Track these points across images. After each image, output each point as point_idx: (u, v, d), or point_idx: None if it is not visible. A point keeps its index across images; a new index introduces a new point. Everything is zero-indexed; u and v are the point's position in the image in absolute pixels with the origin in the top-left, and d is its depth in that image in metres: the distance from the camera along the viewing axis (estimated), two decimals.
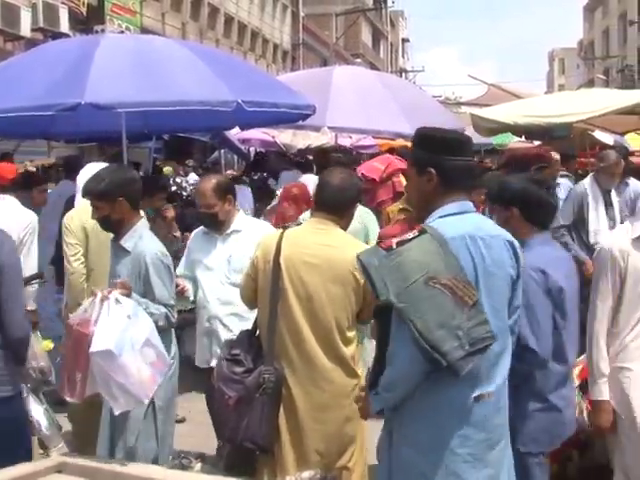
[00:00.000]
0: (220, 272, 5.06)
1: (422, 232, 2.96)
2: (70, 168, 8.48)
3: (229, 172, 16.98)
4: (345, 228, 4.08)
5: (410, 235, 2.97)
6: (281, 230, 4.10)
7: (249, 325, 4.52)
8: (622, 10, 56.46)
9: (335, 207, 3.96)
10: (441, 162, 3.06)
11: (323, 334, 3.86)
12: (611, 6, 61.32)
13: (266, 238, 4.12)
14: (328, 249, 3.87)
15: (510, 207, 3.84)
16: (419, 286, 2.82)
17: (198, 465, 4.81)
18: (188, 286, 5.10)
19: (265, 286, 3.94)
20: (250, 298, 4.16)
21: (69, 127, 8.75)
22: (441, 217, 3.04)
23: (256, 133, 14.34)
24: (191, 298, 5.18)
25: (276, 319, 3.88)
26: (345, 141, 13.79)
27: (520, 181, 4.01)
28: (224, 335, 4.91)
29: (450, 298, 2.82)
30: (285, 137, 13.87)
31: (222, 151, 17.64)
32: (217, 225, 5.10)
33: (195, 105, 6.92)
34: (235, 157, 19.47)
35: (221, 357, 4.08)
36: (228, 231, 5.11)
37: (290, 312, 3.87)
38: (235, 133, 13.61)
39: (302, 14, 43.58)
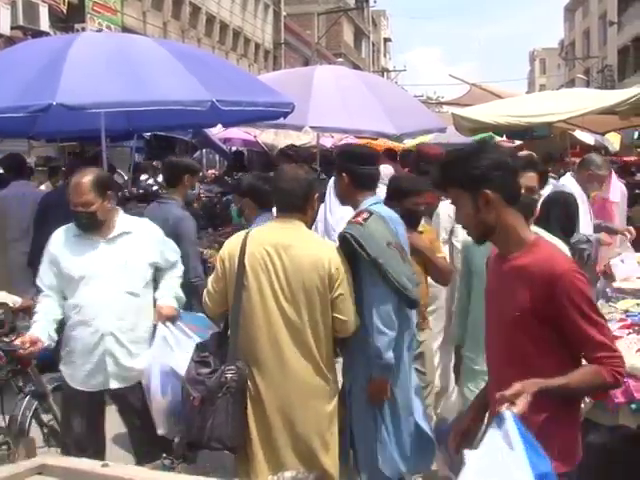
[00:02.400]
0: (115, 281, 4.42)
1: (371, 213, 4.17)
2: (14, 168, 8.46)
3: (211, 172, 17.01)
4: (311, 219, 4.24)
5: (366, 214, 4.16)
6: (247, 230, 4.11)
7: (143, 344, 4.52)
8: (602, 11, 56.78)
9: (292, 205, 4.01)
10: (350, 168, 4.35)
11: (291, 333, 3.87)
12: (591, 7, 61.63)
13: (233, 238, 4.10)
14: (292, 249, 3.89)
15: (244, 196, 5.43)
16: (385, 248, 4.04)
17: (180, 466, 4.78)
18: (37, 334, 4.35)
19: (231, 286, 3.95)
20: (219, 302, 4.08)
21: (50, 126, 8.68)
22: (371, 205, 4.28)
23: (238, 132, 14.33)
24: (46, 343, 4.38)
25: (239, 319, 3.89)
26: (327, 141, 13.81)
27: (251, 178, 5.62)
28: (122, 355, 4.47)
29: (400, 256, 4.12)
30: (267, 137, 13.85)
31: (204, 151, 17.61)
32: (96, 226, 4.43)
33: (169, 105, 6.86)
34: (217, 157, 19.45)
35: (192, 359, 4.06)
36: (115, 233, 4.49)
37: (256, 311, 3.88)
38: (216, 132, 13.57)
39: (284, 13, 43.51)
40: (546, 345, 2.92)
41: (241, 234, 4.07)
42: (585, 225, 6.55)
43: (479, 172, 2.90)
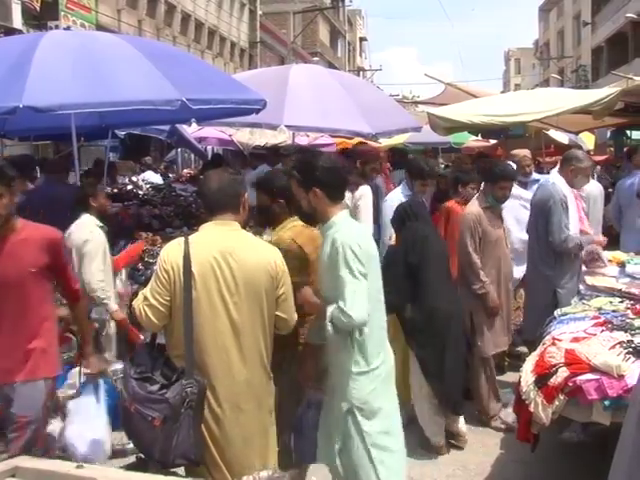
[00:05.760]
0: None
1: None
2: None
3: (186, 171, 16.95)
4: (244, 220, 4.07)
5: None
6: (183, 237, 3.91)
7: None
8: (576, 11, 57.26)
9: (227, 204, 3.92)
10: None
11: (240, 338, 3.81)
12: (566, 7, 62.12)
13: (171, 247, 3.90)
14: (239, 254, 3.82)
15: None
16: None
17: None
18: None
19: (178, 295, 3.77)
20: (166, 316, 3.81)
21: (21, 124, 8.58)
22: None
23: (213, 132, 14.27)
24: None
25: (192, 329, 3.74)
26: (302, 140, 13.78)
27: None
28: None
29: None
30: (242, 136, 13.81)
31: (179, 150, 17.57)
32: None
33: (139, 105, 6.78)
34: (192, 156, 19.39)
35: (127, 376, 3.83)
36: None
37: (205, 319, 3.77)
38: (192, 132, 13.52)
39: (260, 12, 43.47)
40: None
41: (179, 241, 3.88)
42: (574, 223, 6.64)
43: None
